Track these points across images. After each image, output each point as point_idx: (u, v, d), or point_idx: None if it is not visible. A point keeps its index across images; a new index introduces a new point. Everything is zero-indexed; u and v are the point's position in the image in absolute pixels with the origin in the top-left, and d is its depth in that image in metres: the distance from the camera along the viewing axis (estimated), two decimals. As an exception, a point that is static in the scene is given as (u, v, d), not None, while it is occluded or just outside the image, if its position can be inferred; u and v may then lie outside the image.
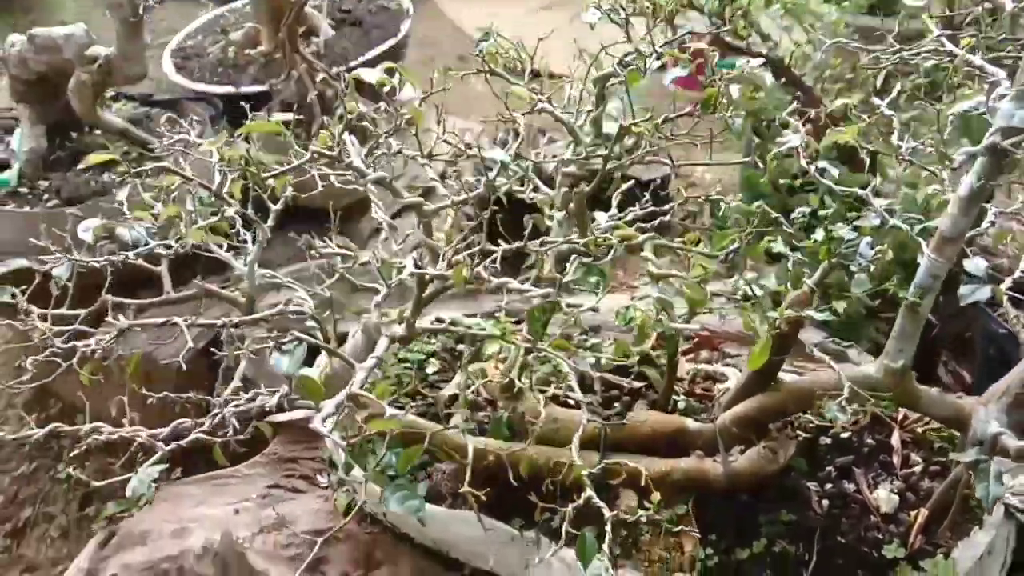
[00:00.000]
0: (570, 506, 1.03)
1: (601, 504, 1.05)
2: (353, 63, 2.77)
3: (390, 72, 1.23)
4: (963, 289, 1.28)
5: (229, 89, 2.70)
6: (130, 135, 2.25)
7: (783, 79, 2.45)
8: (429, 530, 1.43)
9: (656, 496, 1.21)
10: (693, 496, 1.37)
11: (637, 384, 1.53)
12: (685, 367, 1.58)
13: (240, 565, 1.48)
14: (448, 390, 1.55)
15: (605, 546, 0.99)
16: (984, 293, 1.27)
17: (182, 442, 1.00)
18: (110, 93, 2.39)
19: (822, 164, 1.30)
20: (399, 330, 1.00)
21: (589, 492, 1.07)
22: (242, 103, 2.50)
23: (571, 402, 1.49)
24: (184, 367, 1.15)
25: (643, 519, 1.21)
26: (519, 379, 1.39)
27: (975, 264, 1.30)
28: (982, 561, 1.33)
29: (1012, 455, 1.17)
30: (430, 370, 1.61)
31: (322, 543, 1.29)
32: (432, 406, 1.53)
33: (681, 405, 1.48)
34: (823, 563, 1.31)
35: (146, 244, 1.20)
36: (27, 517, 2.23)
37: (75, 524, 2.20)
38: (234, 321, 1.06)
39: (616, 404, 1.50)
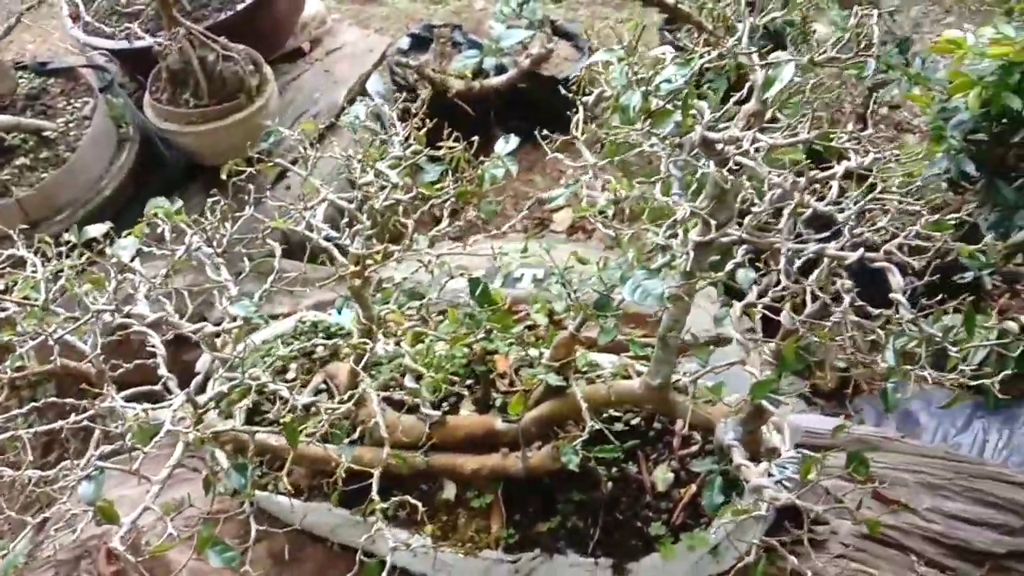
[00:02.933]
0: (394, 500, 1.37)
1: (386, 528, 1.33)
2: (240, 6, 2.79)
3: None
4: (718, 312, 1.48)
5: (123, 44, 2.75)
6: (23, 127, 2.36)
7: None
8: (294, 517, 1.72)
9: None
10: (501, 484, 1.65)
11: (468, 381, 1.77)
12: (509, 360, 1.80)
13: (146, 547, 1.81)
14: (304, 396, 1.79)
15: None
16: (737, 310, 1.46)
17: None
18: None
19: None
20: (192, 435, 1.22)
21: (379, 527, 1.36)
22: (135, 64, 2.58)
23: (408, 403, 1.74)
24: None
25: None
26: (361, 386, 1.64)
27: (743, 275, 1.48)
28: (739, 526, 1.61)
29: (733, 466, 1.42)
30: (290, 375, 1.85)
31: (210, 522, 1.60)
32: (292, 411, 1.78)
33: (498, 403, 1.71)
34: (604, 536, 1.60)
35: None
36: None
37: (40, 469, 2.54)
38: (66, 424, 1.29)
39: (445, 404, 1.73)
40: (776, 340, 1.34)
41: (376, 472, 1.41)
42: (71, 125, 2.44)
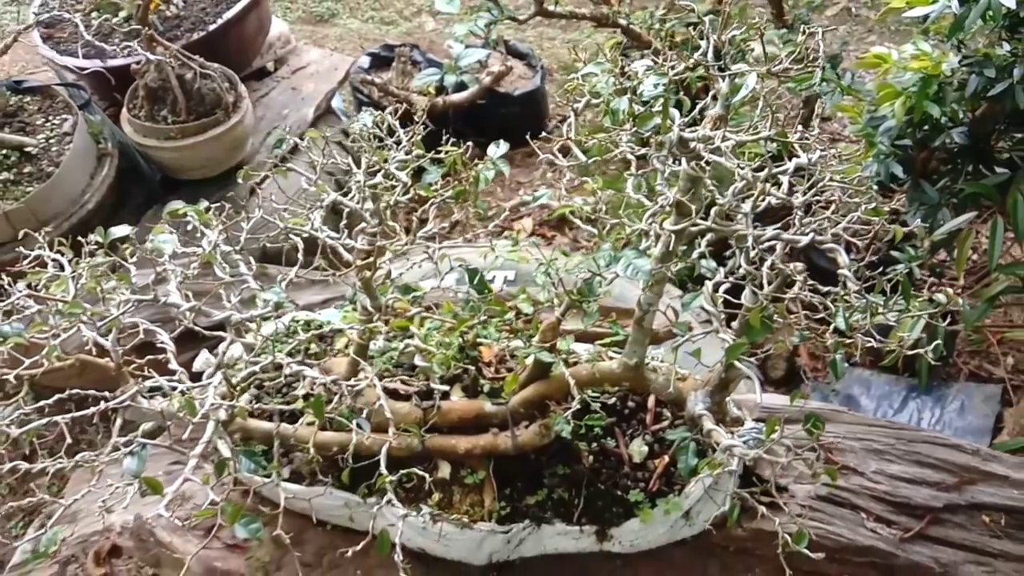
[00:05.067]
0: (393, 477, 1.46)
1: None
2: (212, 26, 2.89)
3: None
4: (686, 298, 1.65)
5: (97, 63, 2.82)
6: (5, 143, 2.42)
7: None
8: (296, 502, 1.83)
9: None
10: (492, 462, 1.79)
11: (456, 371, 1.90)
12: (494, 349, 1.95)
13: (151, 538, 1.90)
14: (303, 388, 1.91)
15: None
16: (701, 299, 1.64)
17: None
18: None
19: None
20: (223, 414, 1.34)
21: (390, 496, 1.48)
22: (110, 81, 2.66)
23: (401, 391, 1.88)
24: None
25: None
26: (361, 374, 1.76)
27: (707, 264, 1.66)
28: (708, 491, 1.78)
29: (704, 433, 1.59)
30: (287, 371, 1.95)
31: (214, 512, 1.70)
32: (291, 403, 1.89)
33: (486, 388, 1.85)
34: (588, 505, 1.75)
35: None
36: (-23, 477, 2.60)
37: (20, 481, 2.58)
38: (97, 409, 1.39)
39: (437, 392, 1.86)
40: (741, 313, 1.52)
41: (384, 448, 1.53)
42: (52, 141, 2.51)
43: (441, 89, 3.50)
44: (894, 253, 2.45)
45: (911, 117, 2.16)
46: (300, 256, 1.44)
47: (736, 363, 1.33)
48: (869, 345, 1.44)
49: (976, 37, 2.29)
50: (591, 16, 2.58)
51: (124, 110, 2.68)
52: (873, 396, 2.71)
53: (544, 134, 4.00)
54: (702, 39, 1.39)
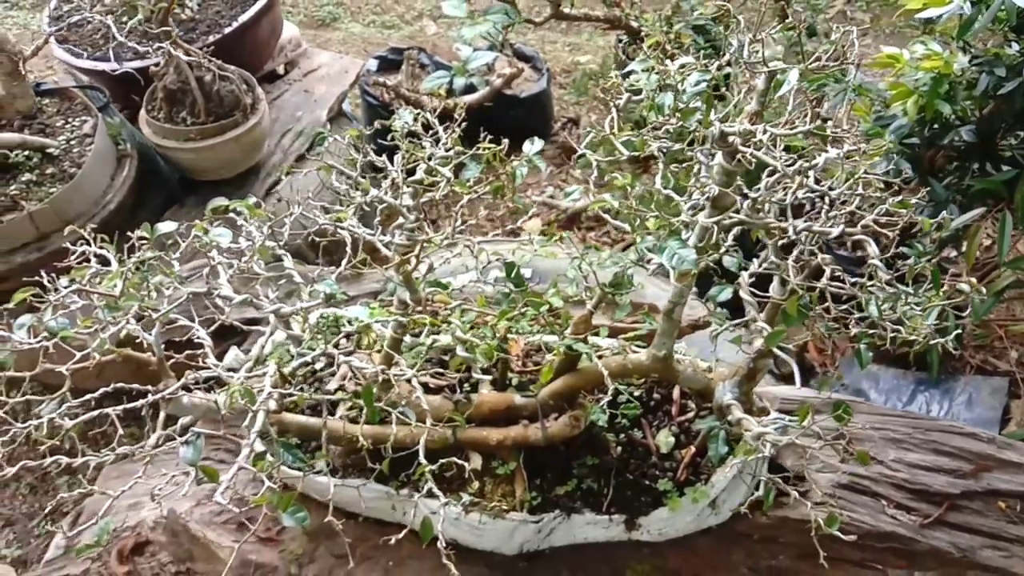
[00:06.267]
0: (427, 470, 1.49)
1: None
2: (227, 29, 2.92)
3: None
4: (712, 290, 1.69)
5: (113, 66, 2.84)
6: (28, 145, 2.44)
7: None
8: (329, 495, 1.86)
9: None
10: (522, 453, 1.83)
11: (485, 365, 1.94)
12: (521, 344, 1.99)
13: (185, 532, 1.92)
14: (334, 382, 1.94)
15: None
16: (727, 293, 1.68)
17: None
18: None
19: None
20: (273, 404, 1.37)
21: (430, 485, 1.52)
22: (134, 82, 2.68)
23: (431, 385, 1.91)
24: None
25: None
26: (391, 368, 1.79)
27: (729, 261, 1.70)
28: (735, 479, 1.82)
29: (732, 421, 1.63)
30: (319, 365, 1.99)
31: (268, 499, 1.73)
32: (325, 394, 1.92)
33: (514, 382, 1.89)
34: (617, 495, 1.79)
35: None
36: (-1, 477, 2.61)
37: (41, 480, 2.59)
38: (146, 402, 1.41)
39: (466, 384, 1.90)
40: (769, 303, 1.57)
41: (422, 439, 1.56)
42: (72, 143, 2.53)
43: (450, 91, 3.54)
44: (904, 249, 2.51)
45: (923, 115, 2.22)
46: (348, 250, 1.47)
47: (776, 350, 1.37)
48: (895, 334, 1.49)
49: (977, 37, 2.34)
50: (604, 18, 2.63)
51: (143, 112, 2.70)
52: (882, 390, 2.76)
53: (578, 133, 4.03)
54: (706, 40, 1.44)
